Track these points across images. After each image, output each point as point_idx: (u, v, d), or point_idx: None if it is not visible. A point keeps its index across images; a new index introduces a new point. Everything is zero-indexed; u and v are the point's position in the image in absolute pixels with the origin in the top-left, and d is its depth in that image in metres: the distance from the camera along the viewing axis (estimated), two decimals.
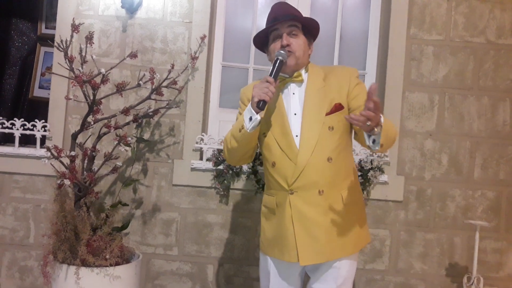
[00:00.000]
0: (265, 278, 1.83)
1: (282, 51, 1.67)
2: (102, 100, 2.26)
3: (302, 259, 1.65)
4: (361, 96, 1.70)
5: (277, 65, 1.66)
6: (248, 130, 1.64)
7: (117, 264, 2.09)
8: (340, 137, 1.70)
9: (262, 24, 2.80)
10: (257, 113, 1.62)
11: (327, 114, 1.69)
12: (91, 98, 2.14)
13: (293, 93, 1.75)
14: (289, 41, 1.71)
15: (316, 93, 1.72)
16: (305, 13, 2.66)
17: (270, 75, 1.65)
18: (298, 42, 1.73)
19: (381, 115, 1.47)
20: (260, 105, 1.60)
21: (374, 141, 1.50)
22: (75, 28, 2.12)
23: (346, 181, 1.72)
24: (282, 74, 1.73)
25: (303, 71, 1.77)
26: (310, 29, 1.80)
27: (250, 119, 1.63)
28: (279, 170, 1.70)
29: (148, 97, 2.36)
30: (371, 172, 2.54)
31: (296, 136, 1.69)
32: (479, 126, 2.65)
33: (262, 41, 1.84)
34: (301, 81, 1.75)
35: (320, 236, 1.65)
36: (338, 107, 1.69)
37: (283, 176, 1.69)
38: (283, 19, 1.72)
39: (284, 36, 1.71)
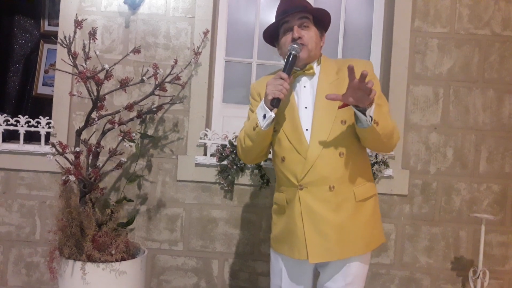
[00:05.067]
0: (276, 276, 1.79)
1: (295, 45, 1.62)
2: (106, 96, 2.25)
3: (311, 256, 1.60)
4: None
5: (290, 60, 1.61)
6: (262, 128, 1.60)
7: (122, 259, 2.10)
8: (353, 131, 1.64)
9: (265, 18, 2.81)
10: (270, 110, 1.58)
11: (340, 107, 1.61)
12: (95, 94, 2.14)
13: (304, 86, 1.70)
14: (300, 33, 1.65)
15: (329, 86, 1.66)
16: None
17: (284, 70, 1.60)
18: (309, 34, 1.68)
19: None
20: (274, 103, 1.57)
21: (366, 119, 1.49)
22: (78, 24, 2.12)
23: (360, 177, 1.66)
24: (294, 67, 1.67)
25: (315, 64, 1.72)
26: (321, 20, 1.74)
27: (264, 116, 1.59)
28: (289, 165, 1.66)
29: (152, 93, 2.35)
30: (376, 166, 2.53)
31: (306, 130, 1.64)
32: (484, 119, 2.64)
33: (272, 35, 1.78)
34: (313, 74, 1.70)
35: (330, 233, 1.59)
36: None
37: (292, 172, 1.64)
38: (293, 11, 1.67)
39: (295, 29, 1.65)
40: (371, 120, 1.49)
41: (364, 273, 1.69)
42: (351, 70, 1.44)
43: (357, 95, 1.46)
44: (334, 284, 1.65)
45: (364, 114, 1.49)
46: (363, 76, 1.40)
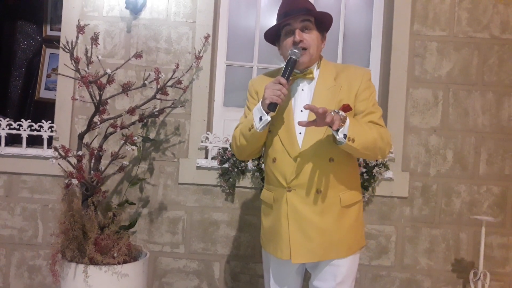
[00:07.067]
0: (266, 273, 1.84)
1: (295, 50, 1.62)
2: (108, 100, 2.28)
3: (294, 257, 1.65)
4: (368, 101, 1.68)
5: (290, 65, 1.61)
6: (258, 130, 1.62)
7: (124, 262, 2.12)
8: None
9: (265, 22, 2.83)
10: (267, 113, 1.59)
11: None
12: (97, 98, 2.16)
13: (302, 90, 1.71)
14: (302, 37, 1.65)
15: (326, 92, 1.68)
16: None
17: (283, 75, 1.60)
18: (311, 37, 1.67)
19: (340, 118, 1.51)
20: (271, 108, 1.57)
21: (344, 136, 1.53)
22: (80, 29, 2.14)
23: (347, 183, 1.69)
24: (294, 70, 1.67)
25: (314, 68, 1.73)
26: (323, 22, 1.73)
27: (260, 119, 1.60)
28: (279, 167, 1.68)
29: (153, 97, 2.38)
30: (376, 168, 2.54)
31: (300, 133, 1.65)
32: (484, 121, 2.65)
33: (273, 35, 1.77)
34: (312, 78, 1.71)
35: (314, 236, 1.64)
36: (346, 108, 1.62)
37: (282, 173, 1.67)
38: (296, 14, 1.65)
39: (297, 32, 1.64)
40: (345, 138, 1.52)
41: (353, 273, 1.74)
42: (319, 114, 1.49)
43: (325, 121, 1.50)
44: (325, 284, 1.69)
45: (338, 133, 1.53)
46: (322, 114, 1.48)
